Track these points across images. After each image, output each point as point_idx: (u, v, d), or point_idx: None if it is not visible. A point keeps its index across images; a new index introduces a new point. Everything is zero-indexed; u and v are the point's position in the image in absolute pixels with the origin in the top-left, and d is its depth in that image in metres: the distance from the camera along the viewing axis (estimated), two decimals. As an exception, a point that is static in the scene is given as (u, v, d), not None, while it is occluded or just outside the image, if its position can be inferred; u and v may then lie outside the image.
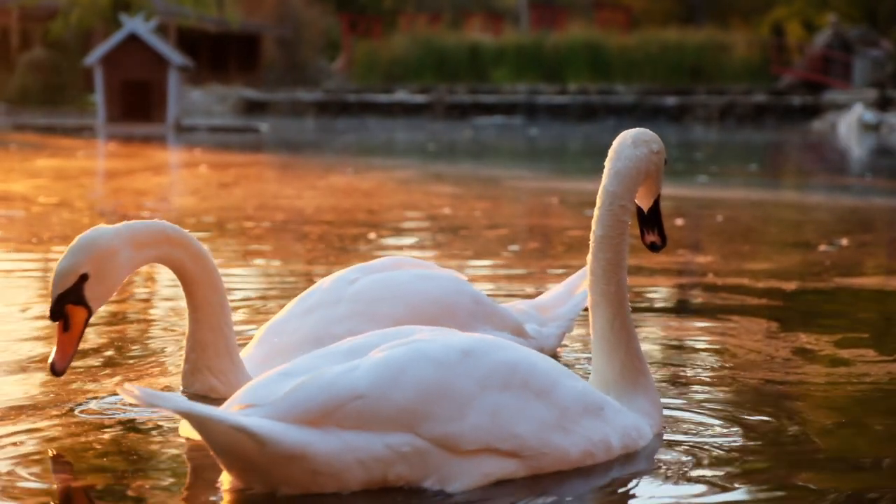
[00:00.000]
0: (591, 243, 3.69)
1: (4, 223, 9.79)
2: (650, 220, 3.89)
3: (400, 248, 8.51)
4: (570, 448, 3.32)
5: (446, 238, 9.09)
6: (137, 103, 32.28)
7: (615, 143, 3.73)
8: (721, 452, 3.57)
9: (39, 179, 14.71)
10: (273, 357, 4.16)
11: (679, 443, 3.65)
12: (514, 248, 8.49)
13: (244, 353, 4.26)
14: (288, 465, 3.03)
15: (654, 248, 3.92)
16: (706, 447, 3.62)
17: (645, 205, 3.88)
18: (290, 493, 3.08)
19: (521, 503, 3.15)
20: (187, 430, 3.12)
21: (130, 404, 3.95)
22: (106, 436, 3.73)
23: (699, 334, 5.41)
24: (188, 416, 3.00)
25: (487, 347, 3.29)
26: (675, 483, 3.32)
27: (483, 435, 3.16)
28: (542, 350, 4.59)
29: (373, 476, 3.08)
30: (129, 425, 3.83)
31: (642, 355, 3.70)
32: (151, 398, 2.93)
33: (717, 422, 3.90)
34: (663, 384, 4.40)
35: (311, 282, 6.72)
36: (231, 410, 3.10)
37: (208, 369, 4.04)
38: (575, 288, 4.92)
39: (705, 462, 3.48)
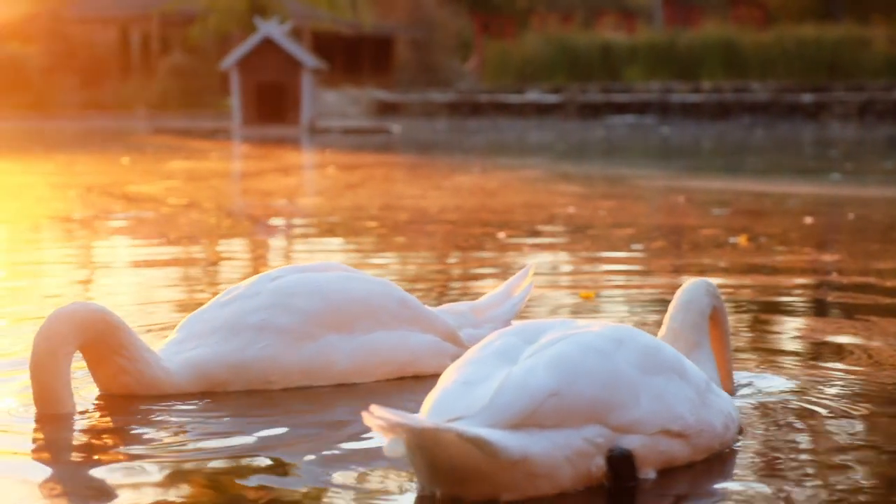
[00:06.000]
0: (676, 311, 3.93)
1: (134, 223, 10.00)
2: None
3: (520, 246, 8.45)
4: (716, 422, 3.38)
5: (570, 236, 9.01)
6: (272, 106, 32.82)
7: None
8: (837, 448, 3.46)
9: (172, 181, 15.02)
10: (188, 341, 4.24)
11: (798, 433, 3.56)
12: (639, 246, 8.38)
13: (168, 338, 4.34)
14: (511, 471, 3.01)
15: None
16: (819, 444, 3.52)
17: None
18: (510, 499, 3.05)
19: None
20: (394, 450, 3.02)
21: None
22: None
23: (825, 333, 5.26)
24: (423, 432, 2.93)
25: (628, 333, 3.34)
26: (773, 475, 3.23)
27: (657, 418, 3.21)
28: None
29: (579, 471, 3.09)
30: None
31: None
32: (399, 420, 2.85)
33: (836, 421, 3.78)
34: (796, 382, 4.29)
35: (417, 280, 6.72)
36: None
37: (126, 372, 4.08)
38: (514, 288, 4.75)
39: (812, 458, 3.38)
